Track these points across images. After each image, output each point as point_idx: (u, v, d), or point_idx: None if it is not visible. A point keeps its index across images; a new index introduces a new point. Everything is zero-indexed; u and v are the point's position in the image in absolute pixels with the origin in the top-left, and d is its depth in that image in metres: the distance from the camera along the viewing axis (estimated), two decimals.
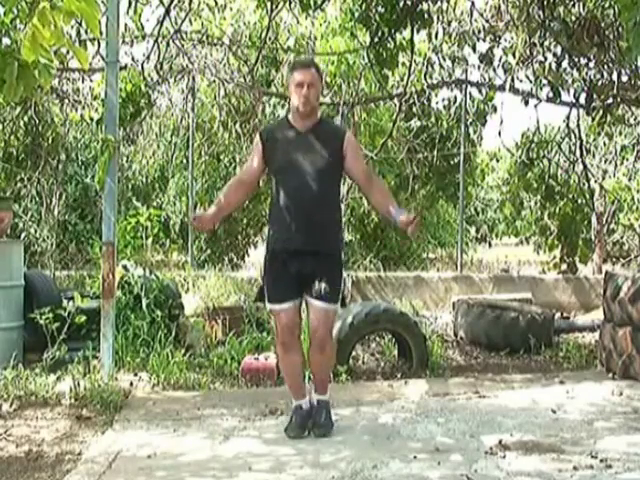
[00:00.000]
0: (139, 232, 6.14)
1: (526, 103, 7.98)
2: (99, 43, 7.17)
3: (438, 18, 7.60)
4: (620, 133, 10.93)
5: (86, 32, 6.85)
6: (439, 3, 7.39)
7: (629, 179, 11.32)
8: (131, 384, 4.81)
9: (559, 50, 7.44)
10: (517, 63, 7.76)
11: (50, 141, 9.02)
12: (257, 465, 3.30)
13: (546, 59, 7.57)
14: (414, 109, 9.16)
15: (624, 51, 6.18)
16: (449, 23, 7.94)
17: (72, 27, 6.74)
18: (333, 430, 3.79)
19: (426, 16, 6.78)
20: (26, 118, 8.93)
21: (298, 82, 3.66)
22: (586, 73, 7.52)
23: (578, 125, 8.40)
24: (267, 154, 3.75)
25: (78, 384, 4.45)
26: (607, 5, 6.70)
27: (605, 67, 7.36)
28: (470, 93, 9.50)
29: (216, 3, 8.31)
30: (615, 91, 7.32)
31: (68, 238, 10.01)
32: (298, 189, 3.66)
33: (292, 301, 3.71)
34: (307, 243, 3.65)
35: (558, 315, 7.33)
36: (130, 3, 7.41)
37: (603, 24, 6.77)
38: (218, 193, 10.77)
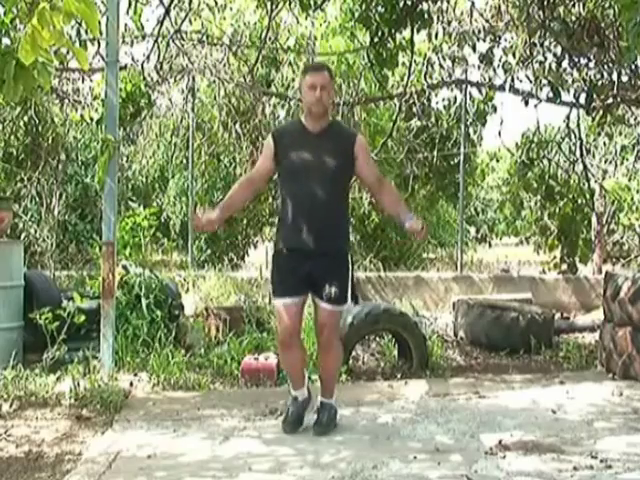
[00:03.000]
0: (137, 232, 6.14)
1: (526, 103, 7.97)
2: (99, 43, 7.17)
3: (438, 18, 7.60)
4: (620, 133, 10.92)
5: (86, 32, 6.85)
6: (439, 3, 7.39)
7: (629, 179, 11.32)
8: (131, 384, 4.81)
9: (559, 50, 7.44)
10: (517, 63, 7.77)
11: (50, 141, 9.02)
12: (257, 465, 3.30)
13: (546, 59, 7.57)
14: (414, 109, 9.15)
15: (624, 51, 6.18)
16: (449, 23, 7.93)
17: (72, 27, 6.74)
18: (333, 430, 3.79)
19: (426, 16, 6.77)
20: (26, 118, 8.93)
21: (311, 84, 3.70)
22: (586, 73, 7.52)
23: (578, 125, 8.40)
24: (278, 154, 3.78)
25: (78, 384, 4.44)
26: (607, 5, 6.70)
27: (605, 67, 7.36)
28: (470, 93, 9.50)
29: (216, 3, 8.31)
30: (615, 91, 7.32)
31: (68, 238, 10.01)
32: (308, 190, 3.68)
33: (297, 297, 3.72)
34: (316, 244, 3.67)
35: (558, 315, 7.33)
36: (130, 3, 7.42)
37: (603, 24, 6.78)
38: (218, 193, 10.92)
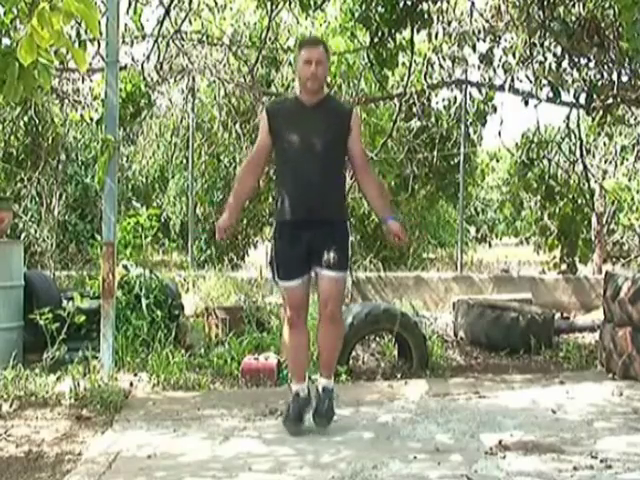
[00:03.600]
0: (139, 232, 6.14)
1: (526, 103, 7.97)
2: (99, 43, 7.16)
3: (438, 18, 7.59)
4: (620, 133, 10.91)
5: (86, 32, 6.85)
6: (439, 3, 7.38)
7: (629, 179, 11.32)
8: (131, 384, 4.81)
9: (559, 50, 7.43)
10: (517, 63, 7.76)
11: (50, 141, 9.02)
12: (257, 465, 3.30)
13: (546, 59, 7.56)
14: (414, 109, 9.16)
15: (624, 51, 6.19)
16: (449, 23, 7.93)
17: (72, 27, 6.74)
18: (333, 430, 3.78)
19: (426, 16, 6.78)
20: (26, 118, 8.94)
21: (306, 59, 3.72)
22: (586, 73, 7.51)
23: (578, 125, 8.39)
24: (273, 127, 3.80)
25: (78, 384, 4.44)
26: (607, 5, 6.70)
27: (605, 67, 7.35)
28: (470, 93, 9.49)
29: (216, 3, 8.31)
30: (615, 91, 7.31)
31: (68, 238, 10.01)
32: (303, 159, 3.71)
33: (301, 277, 3.74)
34: (313, 214, 3.69)
35: (558, 315, 7.33)
36: (130, 3, 7.42)
37: (603, 24, 6.77)
38: (218, 193, 10.91)
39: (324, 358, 3.89)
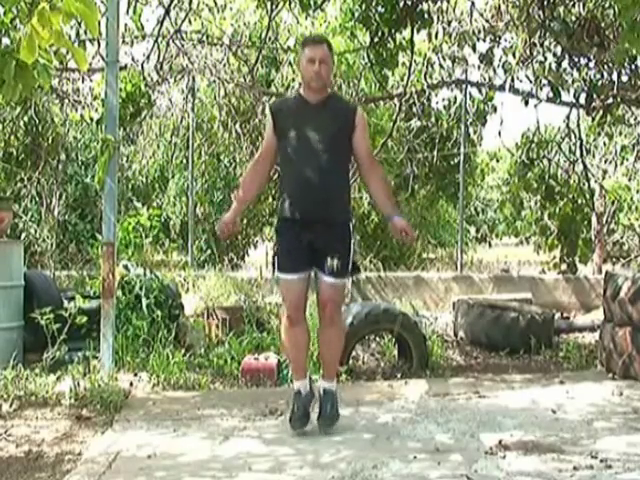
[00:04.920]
0: (139, 232, 6.15)
1: (526, 103, 7.97)
2: (99, 43, 7.17)
3: (438, 18, 7.59)
4: (620, 133, 10.91)
5: (85, 32, 6.85)
6: (439, 3, 7.38)
7: (629, 179, 11.32)
8: (131, 384, 4.81)
9: (559, 50, 7.42)
10: (517, 63, 7.76)
11: (50, 141, 9.03)
12: (257, 465, 3.30)
13: (546, 59, 7.55)
14: (414, 109, 9.16)
15: (621, 51, 6.17)
16: (449, 23, 7.92)
17: (72, 27, 6.75)
18: (333, 430, 3.78)
19: (426, 16, 6.77)
20: (26, 118, 8.94)
21: (310, 58, 3.71)
22: (586, 73, 7.51)
23: (578, 125, 8.39)
24: (277, 125, 3.79)
25: (78, 384, 4.44)
26: (607, 5, 6.70)
27: (605, 67, 7.35)
28: (470, 93, 9.49)
29: (216, 3, 8.31)
30: (615, 91, 7.31)
31: (68, 238, 10.00)
32: (307, 157, 3.70)
33: (301, 273, 3.73)
34: (316, 211, 3.68)
35: (558, 315, 7.33)
36: (130, 3, 7.42)
37: (603, 24, 6.77)
38: (218, 193, 10.90)
39: (325, 361, 3.90)
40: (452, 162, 10.39)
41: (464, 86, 9.16)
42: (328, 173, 3.70)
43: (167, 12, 7.20)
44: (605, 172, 11.28)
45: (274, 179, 4.19)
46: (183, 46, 8.10)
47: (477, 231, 16.90)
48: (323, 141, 3.69)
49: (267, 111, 3.96)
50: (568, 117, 8.43)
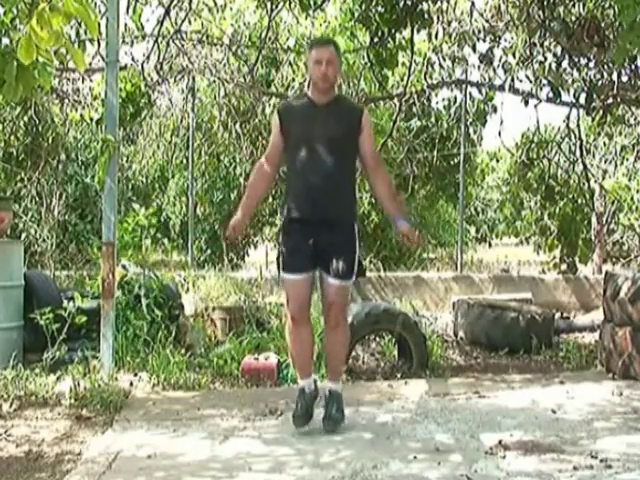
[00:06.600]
0: (138, 232, 6.15)
1: (526, 103, 7.96)
2: (99, 43, 7.16)
3: (438, 18, 7.59)
4: (620, 133, 10.91)
5: (85, 32, 6.85)
6: (439, 3, 7.38)
7: (629, 179, 11.31)
8: (131, 384, 4.81)
9: (559, 50, 7.42)
10: (517, 63, 7.76)
11: (50, 141, 9.02)
12: (257, 465, 3.30)
13: (546, 59, 7.55)
14: (414, 109, 9.16)
15: (621, 51, 6.17)
16: (449, 23, 7.92)
17: (72, 27, 6.74)
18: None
19: (426, 16, 6.78)
20: (26, 118, 8.93)
21: (317, 59, 3.73)
22: (586, 73, 7.51)
23: (578, 125, 8.38)
24: (285, 127, 3.81)
25: (78, 384, 4.44)
26: (607, 5, 6.70)
27: (605, 67, 7.35)
28: (470, 93, 9.49)
29: (216, 3, 8.30)
30: (615, 91, 7.31)
31: (68, 238, 10.01)
32: (313, 159, 3.71)
33: (306, 273, 3.74)
34: (322, 212, 3.69)
35: (558, 315, 7.33)
36: (130, 3, 7.42)
37: (603, 24, 6.76)
38: (218, 193, 10.89)
39: (331, 362, 3.92)
40: (452, 162, 10.39)
41: (464, 86, 9.16)
42: (334, 174, 3.71)
43: (167, 12, 7.20)
44: (605, 172, 11.28)
45: (285, 178, 4.18)
46: (183, 46, 8.10)
47: (477, 231, 16.92)
48: (329, 142, 3.71)
49: (274, 113, 3.97)
50: (568, 117, 8.43)
